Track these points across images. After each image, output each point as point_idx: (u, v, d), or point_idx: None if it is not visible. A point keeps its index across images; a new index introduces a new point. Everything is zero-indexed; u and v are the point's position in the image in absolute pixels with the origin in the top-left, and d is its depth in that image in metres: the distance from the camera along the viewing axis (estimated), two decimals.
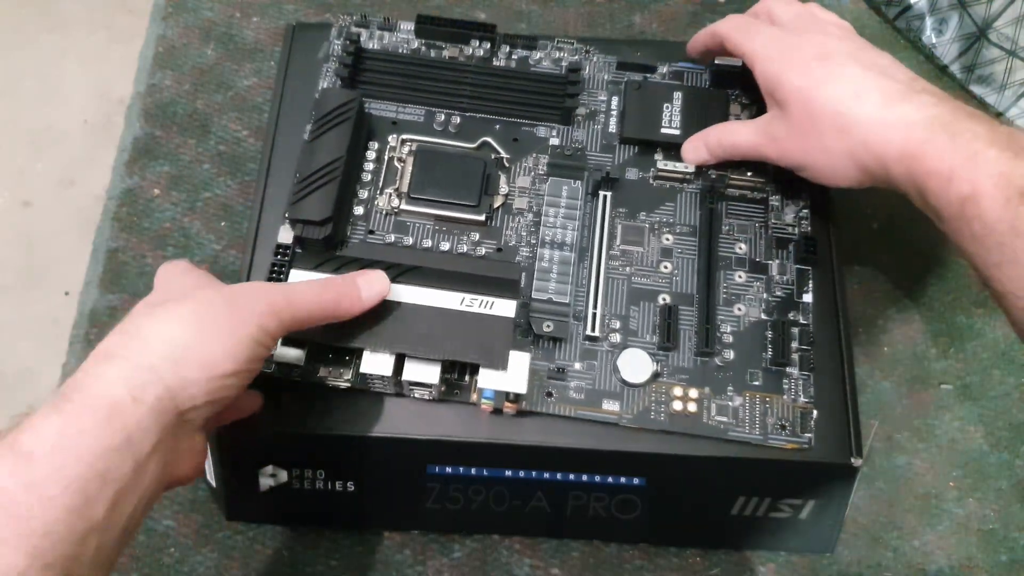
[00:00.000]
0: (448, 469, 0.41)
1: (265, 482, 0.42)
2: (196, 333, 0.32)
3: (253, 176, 0.53)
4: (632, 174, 0.46)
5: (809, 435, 0.40)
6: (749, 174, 0.45)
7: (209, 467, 0.42)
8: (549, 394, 0.40)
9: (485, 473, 0.41)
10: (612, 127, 0.47)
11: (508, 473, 0.41)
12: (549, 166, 0.45)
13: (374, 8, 0.60)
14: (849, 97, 0.39)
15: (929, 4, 0.58)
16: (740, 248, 0.44)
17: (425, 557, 0.44)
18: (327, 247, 0.42)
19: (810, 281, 0.43)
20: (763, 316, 0.42)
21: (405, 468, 0.42)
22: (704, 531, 0.44)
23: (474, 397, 0.40)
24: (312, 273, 0.40)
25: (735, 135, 0.44)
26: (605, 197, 0.45)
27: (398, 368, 0.39)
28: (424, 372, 0.39)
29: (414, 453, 0.41)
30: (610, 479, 0.41)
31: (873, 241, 0.53)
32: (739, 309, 0.42)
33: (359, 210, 0.44)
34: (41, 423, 0.29)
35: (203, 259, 0.51)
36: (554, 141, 0.46)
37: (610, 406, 0.40)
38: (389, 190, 0.44)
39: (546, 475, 0.41)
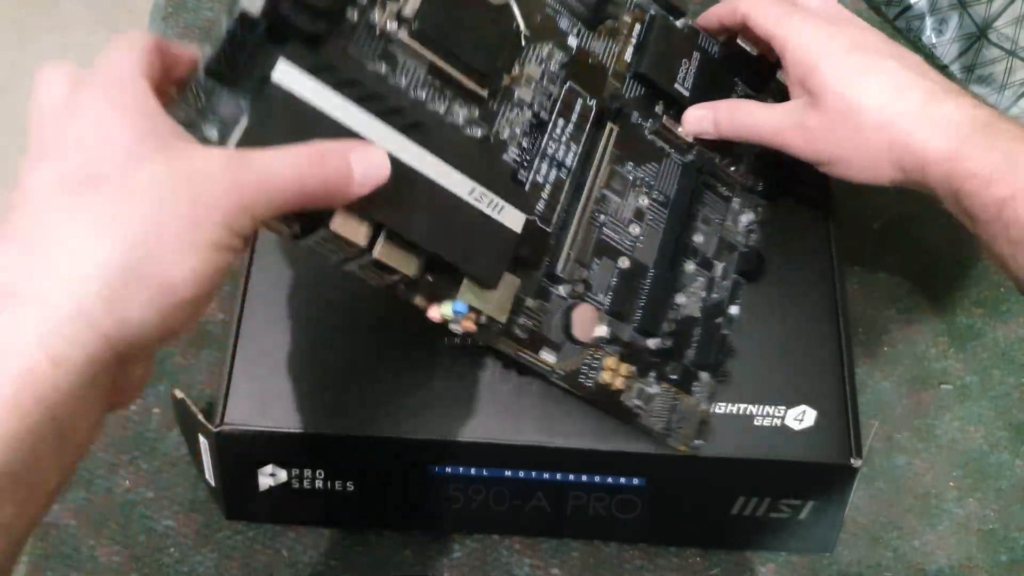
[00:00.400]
0: (448, 469, 0.41)
1: (265, 482, 0.42)
2: (145, 250, 0.23)
3: None
4: (632, 117, 0.41)
5: (700, 442, 0.40)
6: (733, 169, 0.43)
7: (209, 467, 0.42)
8: None
9: (485, 473, 0.41)
10: (628, 55, 0.41)
11: (508, 473, 0.41)
12: (568, 67, 0.39)
13: None
14: (891, 92, 0.37)
15: (929, 4, 0.58)
16: (698, 239, 0.42)
17: (425, 557, 0.44)
18: (312, 43, 0.30)
19: (740, 295, 0.43)
20: (698, 314, 0.42)
21: (405, 468, 0.42)
22: (704, 531, 0.44)
23: (419, 300, 0.33)
24: (316, 85, 0.28)
25: (755, 115, 0.41)
26: (612, 131, 0.40)
27: (372, 241, 0.30)
28: (403, 260, 0.31)
29: (414, 453, 0.41)
30: (610, 479, 0.41)
31: (874, 241, 0.53)
32: (681, 299, 0.41)
33: (352, 15, 0.32)
34: None
35: None
36: (572, 41, 0.39)
37: (547, 356, 0.38)
38: (391, 5, 0.33)
39: (546, 475, 0.41)
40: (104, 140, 0.24)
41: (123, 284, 0.23)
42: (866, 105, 0.37)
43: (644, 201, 0.41)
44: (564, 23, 0.39)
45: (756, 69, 0.43)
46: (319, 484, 0.42)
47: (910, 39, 0.60)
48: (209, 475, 0.43)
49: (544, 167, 0.37)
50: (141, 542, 0.44)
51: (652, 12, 0.42)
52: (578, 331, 0.38)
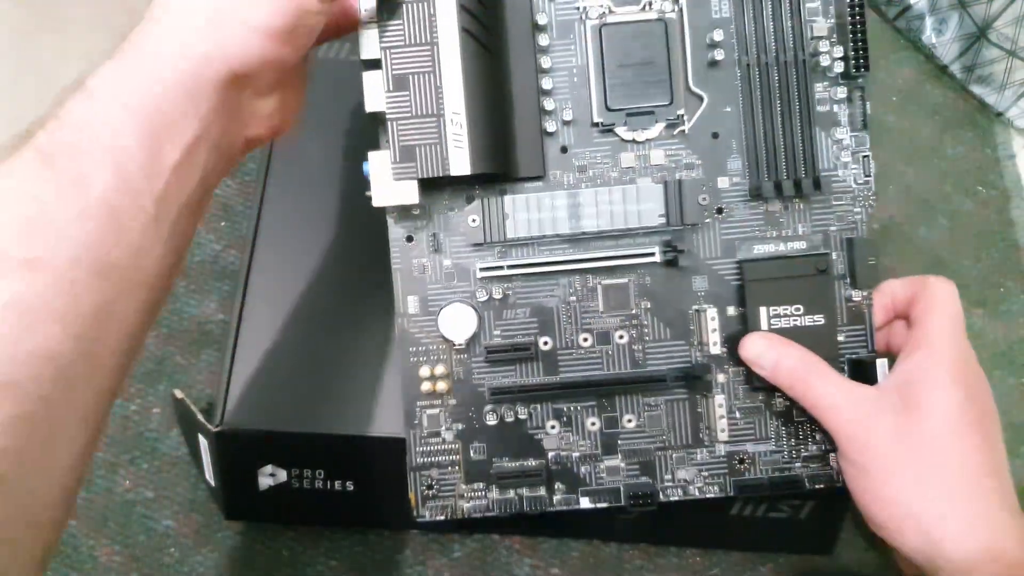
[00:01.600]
0: None
1: (264, 482, 0.42)
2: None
3: (253, 176, 0.53)
4: (693, 276, 0.36)
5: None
6: (724, 429, 0.37)
7: (209, 467, 0.42)
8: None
9: None
10: (763, 246, 0.35)
11: None
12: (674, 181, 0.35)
13: None
14: (980, 476, 0.33)
15: (929, 4, 0.58)
16: (628, 420, 0.37)
17: (425, 557, 0.44)
18: None
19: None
20: (540, 449, 0.37)
21: (405, 468, 0.42)
22: (704, 531, 0.44)
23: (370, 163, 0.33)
24: None
25: (826, 385, 0.34)
26: (656, 255, 0.35)
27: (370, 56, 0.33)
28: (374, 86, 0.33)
29: None
30: None
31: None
32: (553, 428, 0.37)
33: None
34: (101, 69, 0.30)
35: (203, 259, 0.51)
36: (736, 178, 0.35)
37: (412, 301, 0.36)
38: None
39: None
40: None
41: (219, 12, 0.30)
42: (943, 467, 0.33)
43: (622, 339, 0.36)
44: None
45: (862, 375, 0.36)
46: (319, 484, 0.42)
47: (910, 39, 0.60)
48: (209, 475, 0.43)
49: (592, 193, 0.35)
50: (141, 542, 0.44)
51: (833, 262, 0.36)
52: (446, 324, 0.35)
